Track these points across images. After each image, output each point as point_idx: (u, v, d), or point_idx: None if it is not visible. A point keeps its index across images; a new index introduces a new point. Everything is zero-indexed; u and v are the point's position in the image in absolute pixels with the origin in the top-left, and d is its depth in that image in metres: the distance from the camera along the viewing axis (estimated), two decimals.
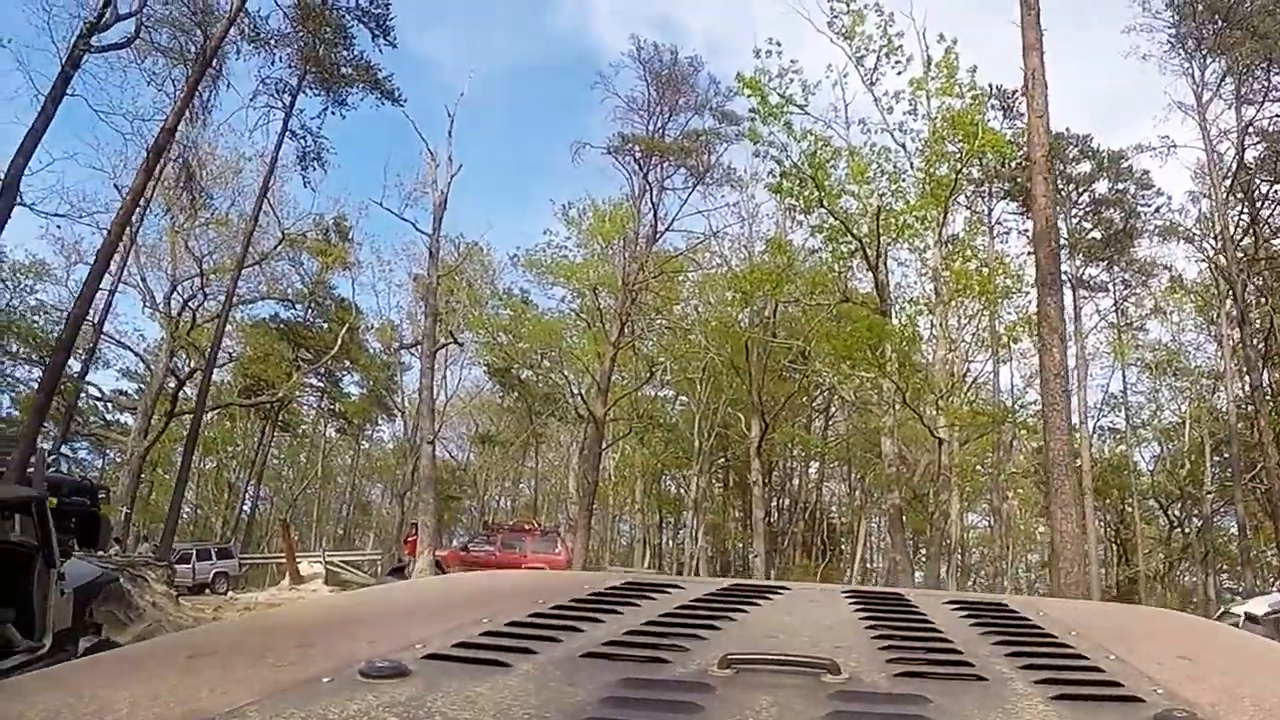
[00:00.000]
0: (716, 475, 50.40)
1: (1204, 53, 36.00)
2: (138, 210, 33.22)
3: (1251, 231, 36.61)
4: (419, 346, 36.82)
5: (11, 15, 53.05)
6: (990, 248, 38.51)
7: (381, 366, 53.89)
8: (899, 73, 28.75)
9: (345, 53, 35.01)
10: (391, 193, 72.85)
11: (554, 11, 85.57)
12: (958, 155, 28.23)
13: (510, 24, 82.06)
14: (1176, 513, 46.07)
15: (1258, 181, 36.60)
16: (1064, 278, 39.64)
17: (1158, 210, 43.76)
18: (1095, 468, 42.14)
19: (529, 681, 1.13)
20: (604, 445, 36.33)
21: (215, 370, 44.25)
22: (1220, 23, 35.07)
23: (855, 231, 27.81)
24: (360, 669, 1.13)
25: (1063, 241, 37.84)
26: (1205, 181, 38.51)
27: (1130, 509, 45.64)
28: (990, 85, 33.07)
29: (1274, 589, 19.60)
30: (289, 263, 44.89)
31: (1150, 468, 46.96)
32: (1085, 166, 43.70)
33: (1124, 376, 46.10)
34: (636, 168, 35.08)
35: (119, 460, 40.63)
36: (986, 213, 42.81)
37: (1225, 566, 43.24)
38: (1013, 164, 38.98)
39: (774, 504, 48.27)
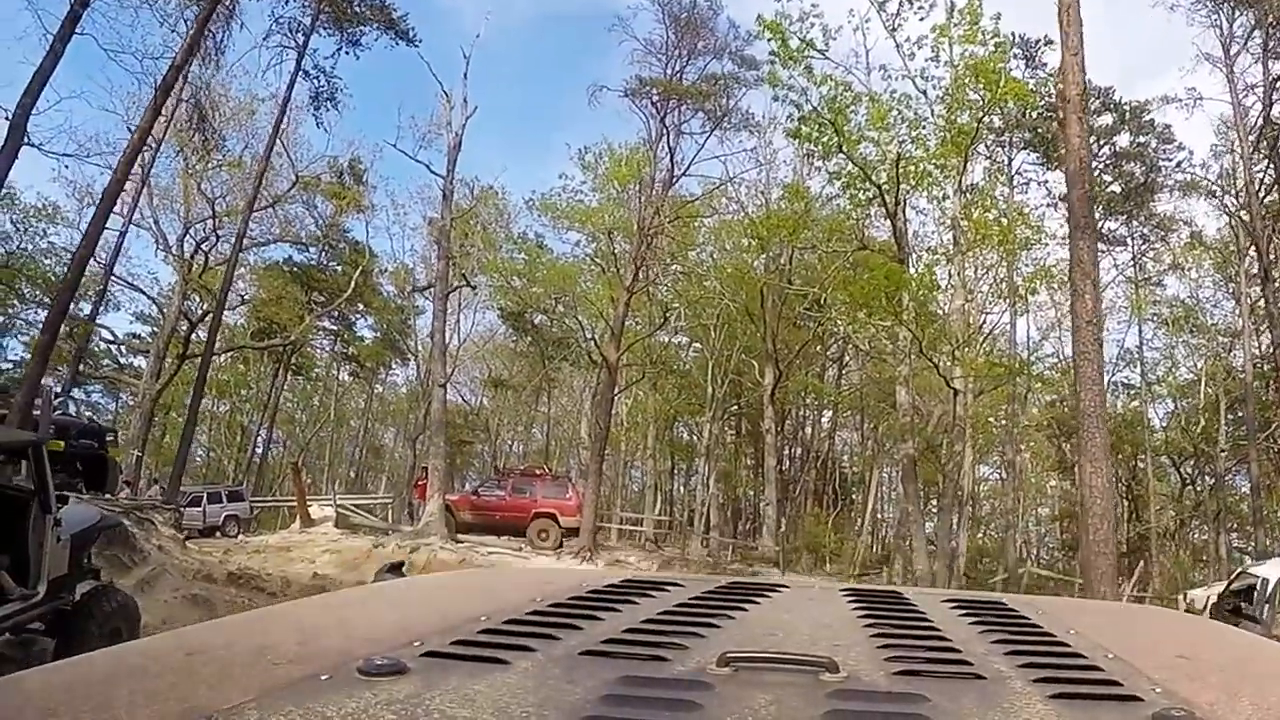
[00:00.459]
0: (729, 422, 50.33)
1: (1232, 4, 35.27)
2: (150, 152, 33.14)
3: (1277, 188, 36.01)
4: (432, 290, 36.63)
5: None
6: (1010, 198, 38.05)
7: (395, 310, 53.76)
8: (921, 19, 28.56)
9: None
10: (406, 135, 72.33)
11: None
12: (979, 103, 27.96)
13: None
14: (1189, 470, 45.82)
15: None
16: None
17: (1179, 165, 43.21)
18: (1109, 423, 41.86)
19: (528, 679, 1.13)
20: (616, 391, 36.15)
21: (229, 313, 44.36)
22: None
23: (874, 178, 27.61)
24: (359, 667, 1.12)
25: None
26: (1230, 136, 38.04)
27: (1143, 465, 45.39)
28: (1013, 33, 32.53)
29: None
30: (303, 205, 44.73)
31: (1164, 424, 46.73)
32: (1107, 119, 42.94)
33: (1140, 332, 45.78)
34: (654, 111, 34.57)
35: (132, 404, 40.73)
36: (1007, 163, 42.27)
37: (1235, 525, 43.06)
38: (1034, 114, 38.54)
39: (786, 452, 48.15)
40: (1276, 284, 32.70)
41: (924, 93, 28.35)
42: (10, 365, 37.77)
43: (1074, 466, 45.58)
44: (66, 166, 34.50)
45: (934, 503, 39.37)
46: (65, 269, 23.73)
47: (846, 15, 29.39)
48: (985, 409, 38.19)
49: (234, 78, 36.60)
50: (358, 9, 34.77)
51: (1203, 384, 42.04)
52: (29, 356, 37.00)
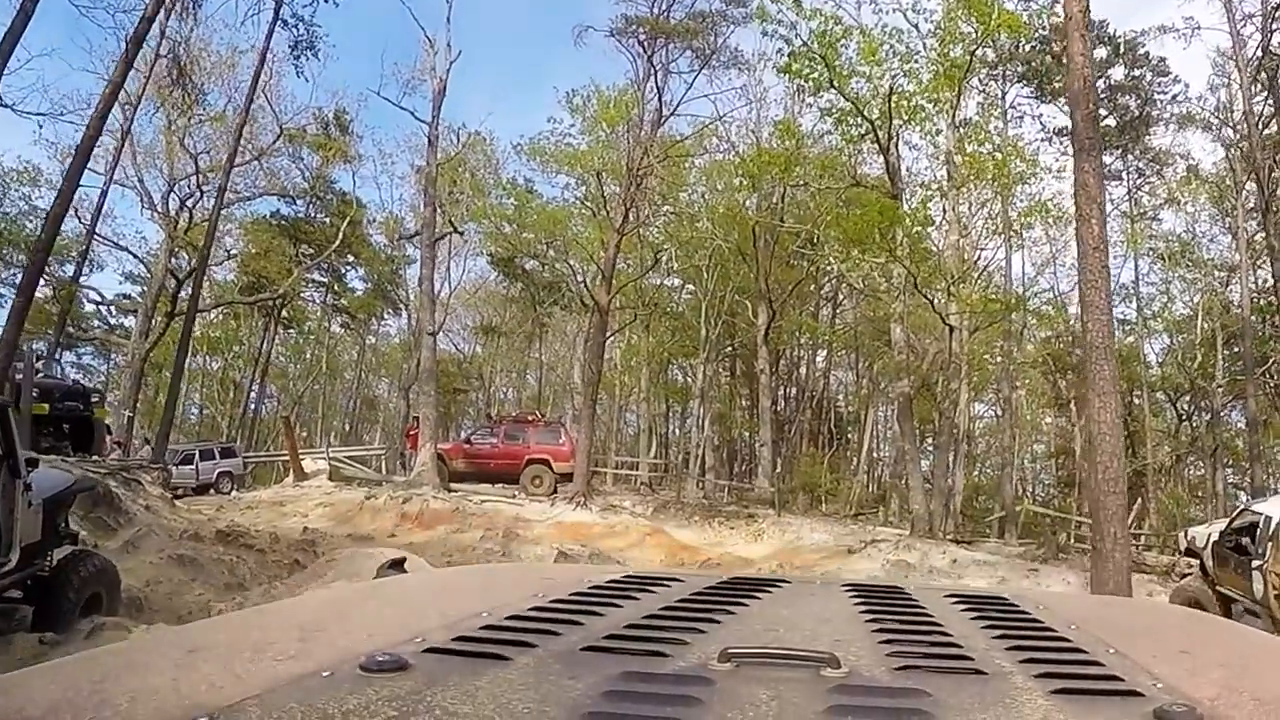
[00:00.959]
0: (723, 364, 50.19)
1: None
2: (131, 109, 32.65)
3: (1276, 119, 35.59)
4: (420, 237, 36.32)
5: None
6: (1004, 132, 37.64)
7: (385, 260, 53.56)
8: None
9: None
10: (390, 82, 71.38)
11: None
12: (972, 36, 27.58)
13: None
14: (1185, 406, 45.82)
15: None
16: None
17: (1174, 98, 42.91)
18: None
19: (529, 675, 1.12)
20: (609, 334, 36.02)
21: (218, 269, 44.03)
22: None
23: (866, 114, 27.28)
24: (360, 663, 1.11)
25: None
26: (1227, 68, 37.61)
27: (1139, 401, 45.30)
28: None
29: None
30: (289, 158, 44.41)
31: (1160, 360, 46.64)
32: (1101, 52, 42.35)
33: (1136, 266, 45.52)
34: (641, 51, 34.04)
35: (123, 364, 40.47)
36: (1000, 96, 41.87)
37: (1230, 461, 43.12)
38: (1027, 46, 38.05)
39: (781, 393, 48.09)
40: (1277, 216, 32.37)
41: (915, 26, 28.01)
42: None
43: (1070, 403, 45.80)
44: (41, 126, 33.95)
45: (929, 441, 39.39)
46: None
47: None
48: (980, 346, 38.04)
49: (214, 31, 36.26)
50: None
51: (1199, 319, 41.83)
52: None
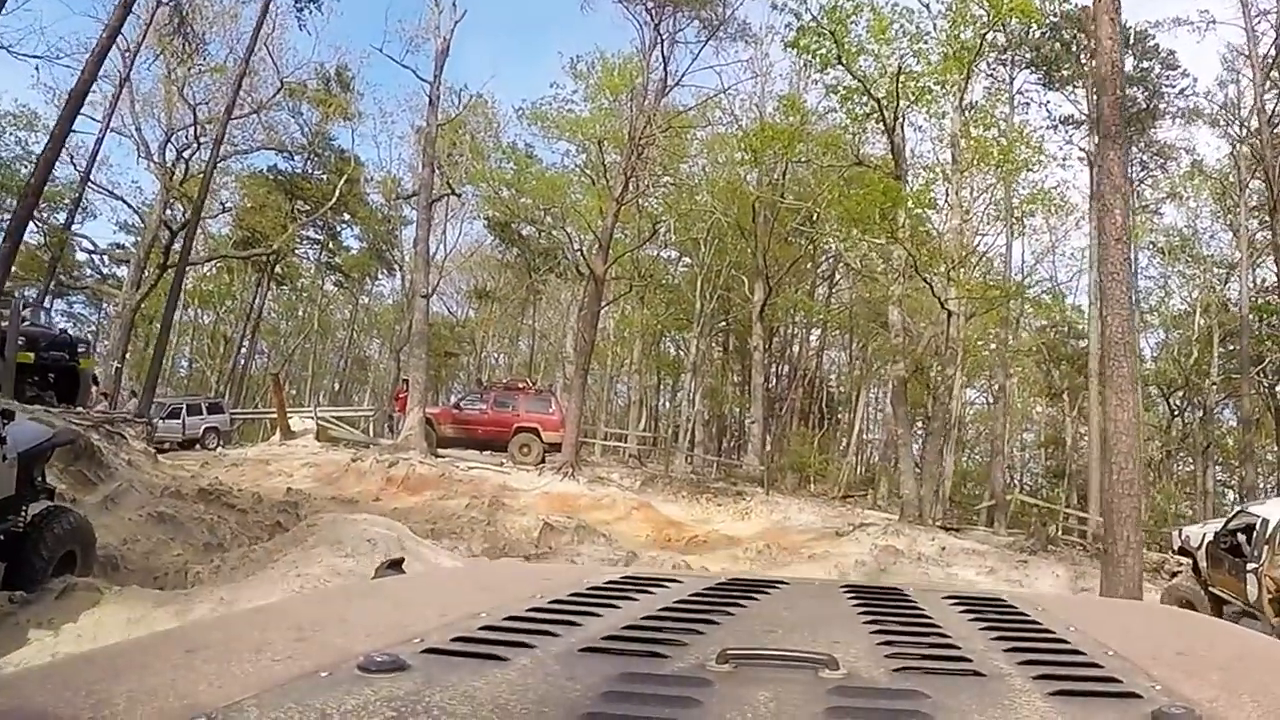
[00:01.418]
0: (716, 339, 50.11)
1: None
2: (130, 56, 32.24)
3: None
4: (416, 198, 36.01)
5: None
6: (1010, 118, 37.40)
7: (381, 220, 53.14)
8: None
9: None
10: (393, 38, 70.62)
11: None
12: (983, 19, 27.39)
13: None
14: (1177, 401, 45.79)
15: None
16: (1081, 154, 38.92)
17: (1182, 92, 42.57)
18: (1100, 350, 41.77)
19: (527, 676, 1.12)
20: (603, 304, 35.77)
21: (212, 222, 43.59)
22: None
23: (873, 92, 27.09)
24: (358, 663, 1.11)
25: (1087, 115, 36.78)
26: (1238, 64, 37.45)
27: None
28: None
29: None
30: (288, 112, 43.88)
31: (1154, 354, 46.58)
32: None
33: (1135, 259, 45.36)
34: (648, 18, 33.57)
35: (114, 315, 40.16)
36: (1008, 81, 41.56)
37: (1220, 459, 43.16)
38: (1037, 32, 37.73)
39: (773, 370, 47.91)
40: None
41: (927, 6, 27.86)
42: None
43: (1063, 393, 45.77)
44: (39, 70, 33.49)
45: (920, 426, 39.34)
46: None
47: None
48: (975, 332, 37.93)
49: None
50: None
51: (1196, 315, 41.80)
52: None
